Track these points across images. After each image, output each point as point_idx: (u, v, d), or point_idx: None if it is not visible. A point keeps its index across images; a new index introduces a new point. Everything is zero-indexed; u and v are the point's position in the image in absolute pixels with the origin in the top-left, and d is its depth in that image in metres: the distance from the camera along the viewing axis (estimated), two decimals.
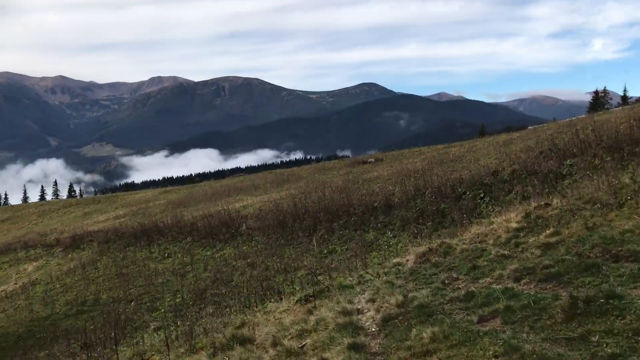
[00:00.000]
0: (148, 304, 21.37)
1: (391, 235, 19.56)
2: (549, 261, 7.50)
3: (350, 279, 10.62)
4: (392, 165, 44.47)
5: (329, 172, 54.39)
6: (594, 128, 17.11)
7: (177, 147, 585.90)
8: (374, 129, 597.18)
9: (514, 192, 16.27)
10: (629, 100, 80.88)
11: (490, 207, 17.21)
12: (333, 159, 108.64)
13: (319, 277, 15.32)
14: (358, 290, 9.10)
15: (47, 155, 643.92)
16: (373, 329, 6.87)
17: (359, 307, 7.94)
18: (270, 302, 12.23)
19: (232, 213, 33.77)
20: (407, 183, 25.81)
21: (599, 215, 8.83)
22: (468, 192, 18.75)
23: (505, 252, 8.97)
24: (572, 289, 6.37)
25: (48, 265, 39.53)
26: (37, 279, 35.09)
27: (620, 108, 47.52)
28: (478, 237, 10.31)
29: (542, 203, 10.65)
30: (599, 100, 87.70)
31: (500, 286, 7.34)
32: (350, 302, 8.16)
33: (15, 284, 36.31)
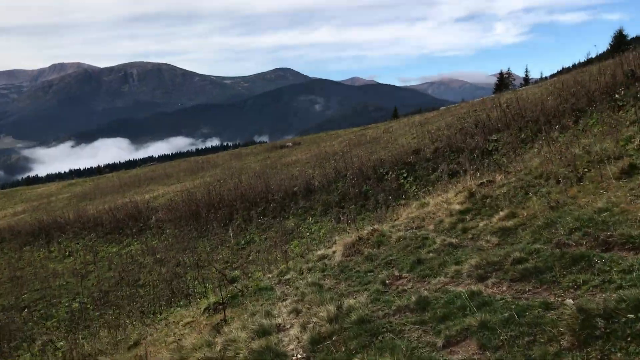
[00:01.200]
0: (42, 311, 18.88)
1: (312, 221, 18.32)
2: (519, 253, 5.98)
3: (270, 276, 9.21)
4: (310, 149, 43.45)
5: (246, 158, 52.69)
6: (515, 101, 16.66)
7: (84, 137, 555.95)
8: (290, 113, 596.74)
9: (439, 170, 15.50)
10: (530, 81, 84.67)
11: (414, 187, 16.37)
12: (250, 144, 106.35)
13: (235, 273, 13.81)
14: (278, 294, 7.59)
15: None
16: (299, 356, 5.22)
17: (280, 320, 6.33)
18: (177, 305, 10.57)
19: (140, 205, 31.27)
20: (327, 166, 24.69)
21: (559, 192, 7.58)
22: (390, 172, 17.83)
23: (453, 241, 7.71)
24: (564, 292, 4.84)
25: None
26: None
27: (524, 88, 48.94)
28: (414, 222, 9.13)
29: (485, 180, 9.57)
30: (504, 81, 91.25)
31: (461, 288, 5.71)
32: (268, 314, 6.46)
33: None
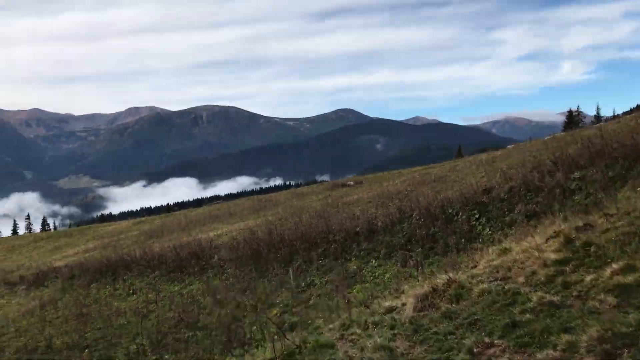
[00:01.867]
0: (102, 351, 18.76)
1: (376, 264, 17.39)
2: None
3: (331, 327, 8.37)
4: (372, 188, 42.62)
5: (307, 197, 52.38)
6: (598, 136, 15.34)
7: (155, 177, 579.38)
8: (352, 153, 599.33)
9: (515, 211, 14.32)
10: (601, 119, 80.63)
11: (488, 229, 15.20)
12: (312, 183, 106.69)
13: (294, 319, 13.07)
14: (341, 355, 6.63)
15: (22, 189, 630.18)
16: None
17: None
18: (232, 355, 9.90)
19: (203, 243, 31.28)
20: (390, 205, 23.79)
21: None
22: (461, 213, 16.74)
23: (554, 299, 6.32)
24: None
25: (8, 305, 36.38)
26: None
27: (597, 125, 46.40)
28: (497, 272, 7.99)
29: (581, 224, 8.36)
30: (573, 119, 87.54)
31: None
32: None
33: None
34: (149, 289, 28.03)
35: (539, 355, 5.01)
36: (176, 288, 26.79)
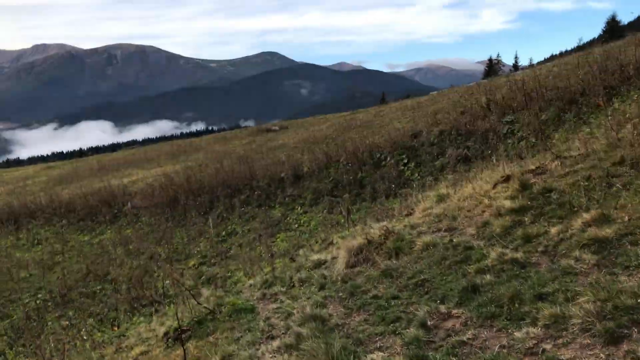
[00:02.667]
0: (0, 306, 16.90)
1: (301, 211, 16.50)
2: None
3: (251, 284, 7.39)
4: (297, 133, 41.53)
5: (230, 141, 50.65)
6: (532, 79, 14.91)
7: (67, 119, 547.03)
8: (277, 98, 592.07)
9: (446, 155, 13.73)
10: (519, 68, 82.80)
11: (416, 174, 14.59)
12: (236, 129, 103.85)
13: (213, 270, 11.95)
14: (262, 324, 5.55)
15: None
16: None
17: None
18: (140, 314, 8.72)
19: (115, 190, 29.16)
20: (317, 150, 22.83)
21: None
22: (389, 158, 16.05)
23: (518, 256, 5.25)
24: None
25: None
26: None
27: (514, 73, 47.24)
28: (439, 221, 7.12)
29: (532, 167, 7.52)
30: (493, 67, 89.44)
31: None
32: None
33: None
34: (55, 238, 25.90)
35: (516, 334, 3.89)
36: (86, 238, 24.86)
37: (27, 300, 16.59)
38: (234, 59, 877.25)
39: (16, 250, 26.63)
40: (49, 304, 15.17)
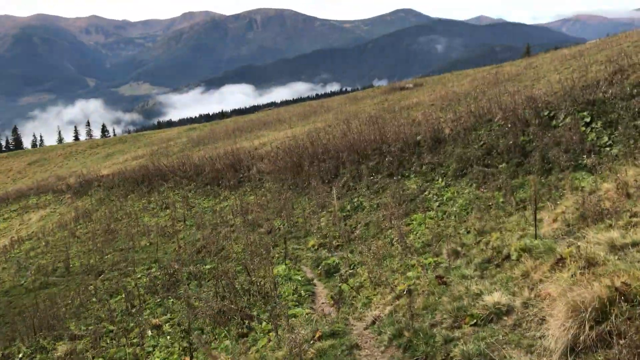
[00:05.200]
0: (116, 279, 16.01)
1: (443, 184, 13.25)
2: None
3: (374, 320, 4.57)
4: (434, 90, 37.49)
5: (361, 101, 47.90)
6: None
7: (212, 83, 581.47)
8: (411, 56, 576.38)
9: None
10: None
11: (606, 137, 10.62)
12: (368, 88, 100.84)
13: (329, 261, 9.31)
14: None
15: (86, 96, 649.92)
16: None
17: None
18: (225, 337, 6.36)
19: (241, 153, 27.87)
20: (460, 108, 19.15)
21: None
22: (563, 116, 12.14)
23: None
24: None
25: (51, 215, 35.18)
26: (33, 232, 30.91)
27: None
28: None
29: None
30: None
31: None
32: None
33: (13, 237, 32.00)
34: (182, 203, 25.27)
35: None
36: (210, 203, 23.78)
37: (139, 275, 15.46)
38: (367, 19, 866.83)
39: (146, 213, 26.52)
40: (158, 282, 13.72)
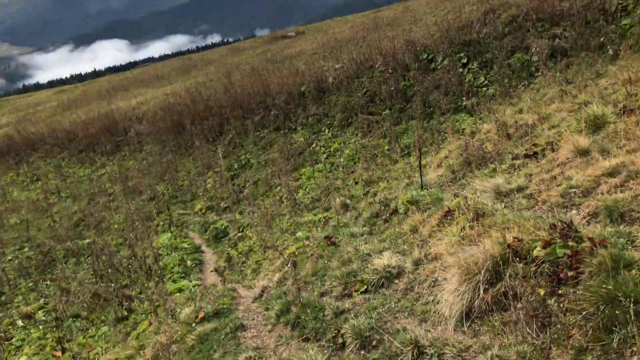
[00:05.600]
0: None
1: (330, 135, 13.03)
2: None
3: (264, 289, 4.17)
4: (316, 37, 37.04)
5: (244, 52, 46.43)
6: None
7: (82, 40, 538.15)
8: (293, 3, 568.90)
9: (532, 50, 9.83)
10: None
11: (482, 77, 10.82)
12: (250, 39, 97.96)
13: (220, 224, 8.75)
14: None
15: None
16: None
17: None
18: (99, 325, 5.70)
19: (117, 116, 25.92)
20: (342, 56, 18.90)
21: None
22: (441, 58, 12.23)
23: None
24: None
25: None
26: None
27: None
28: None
29: None
30: None
31: None
32: None
33: None
34: (54, 174, 23.17)
35: None
36: (86, 172, 22.01)
37: (9, 257, 13.95)
38: None
39: (15, 187, 24.13)
40: (32, 263, 12.42)
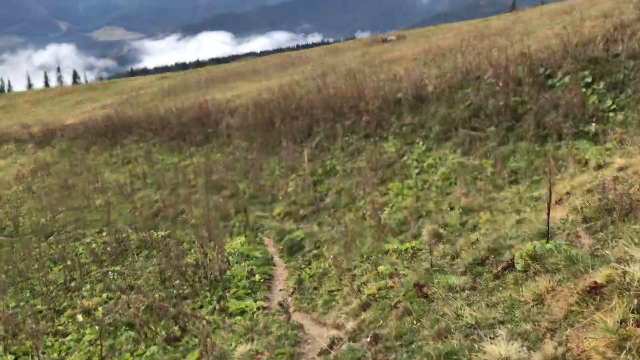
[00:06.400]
0: (63, 243, 14.55)
1: (424, 148, 11.94)
2: None
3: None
4: (417, 43, 35.73)
5: (342, 53, 45.89)
6: None
7: (189, 30, 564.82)
8: (395, 8, 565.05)
9: None
10: None
11: (610, 101, 9.35)
12: (350, 40, 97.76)
13: (294, 235, 8.04)
14: None
15: (59, 40, 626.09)
16: None
17: None
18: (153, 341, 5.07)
19: (210, 106, 26.09)
20: (445, 64, 17.68)
21: None
22: (561, 74, 10.81)
23: None
24: None
25: (12, 165, 33.19)
26: None
27: None
28: None
29: None
30: None
31: None
32: None
33: None
34: (144, 158, 23.64)
35: None
36: (174, 160, 22.21)
37: (88, 240, 14.03)
38: None
39: (107, 168, 24.90)
40: (107, 249, 12.32)
